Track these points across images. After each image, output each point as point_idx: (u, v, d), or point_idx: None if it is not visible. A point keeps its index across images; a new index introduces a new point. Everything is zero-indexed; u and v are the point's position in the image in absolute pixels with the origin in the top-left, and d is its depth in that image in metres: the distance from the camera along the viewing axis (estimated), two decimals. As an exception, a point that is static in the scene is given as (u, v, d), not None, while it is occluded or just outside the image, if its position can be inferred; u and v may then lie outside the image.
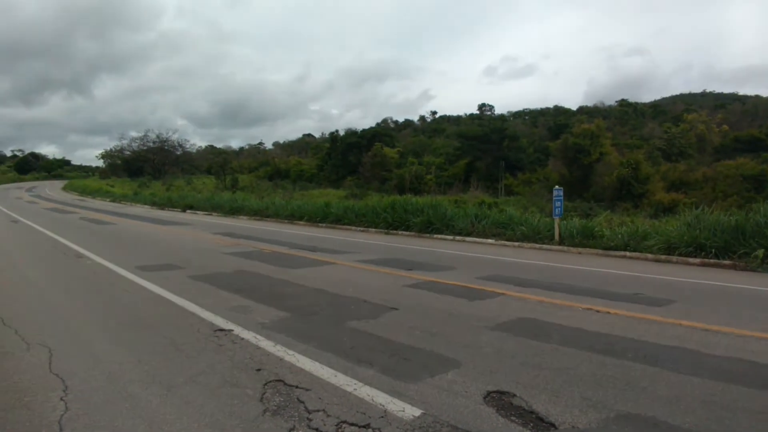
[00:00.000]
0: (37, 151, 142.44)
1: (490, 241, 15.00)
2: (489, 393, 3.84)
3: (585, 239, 13.59)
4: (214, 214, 26.88)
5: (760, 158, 47.31)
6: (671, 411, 3.53)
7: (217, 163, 72.08)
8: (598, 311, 6.42)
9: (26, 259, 10.60)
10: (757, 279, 9.26)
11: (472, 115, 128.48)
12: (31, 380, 4.06)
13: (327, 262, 10.36)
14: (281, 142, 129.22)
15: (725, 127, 73.81)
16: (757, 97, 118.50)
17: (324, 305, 6.60)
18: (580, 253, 12.92)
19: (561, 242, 13.85)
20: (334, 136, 78.38)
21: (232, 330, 5.41)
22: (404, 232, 17.35)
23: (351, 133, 75.87)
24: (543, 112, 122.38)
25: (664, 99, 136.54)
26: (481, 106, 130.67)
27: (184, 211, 29.74)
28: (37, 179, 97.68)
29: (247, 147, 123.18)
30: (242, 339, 5.12)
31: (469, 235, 15.92)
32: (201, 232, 16.43)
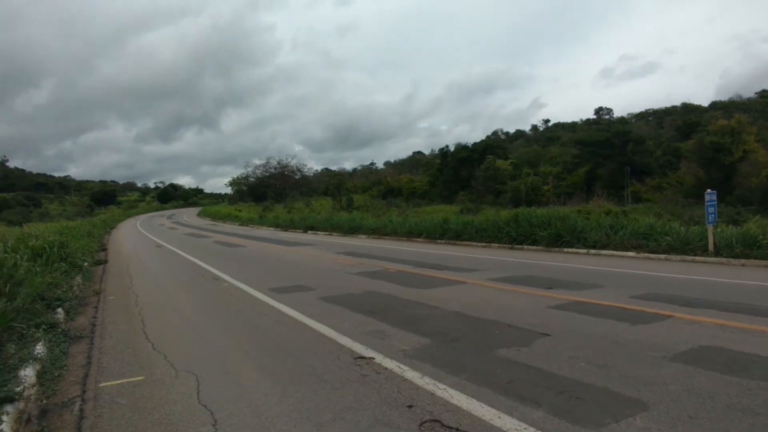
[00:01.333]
0: (175, 181, 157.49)
1: (630, 254, 13.65)
2: None
3: (747, 249, 11.87)
4: (333, 234, 27.47)
5: None
6: None
7: (333, 184, 74.55)
8: None
9: (171, 282, 11.21)
10: None
11: (588, 120, 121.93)
12: (181, 412, 3.97)
13: (456, 281, 9.85)
14: (392, 161, 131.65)
15: None
16: None
17: (465, 330, 6.09)
18: (743, 265, 11.28)
19: (717, 253, 12.22)
20: (444, 152, 77.93)
21: (374, 358, 5.07)
22: (530, 247, 16.39)
23: (461, 148, 74.98)
24: (669, 112, 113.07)
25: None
26: (599, 110, 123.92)
27: (305, 231, 30.77)
28: (176, 207, 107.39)
29: (359, 168, 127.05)
30: (385, 369, 4.75)
31: (604, 247, 14.64)
32: (324, 253, 16.66)
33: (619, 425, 3.43)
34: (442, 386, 4.26)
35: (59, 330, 6.27)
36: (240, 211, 64.29)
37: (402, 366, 4.81)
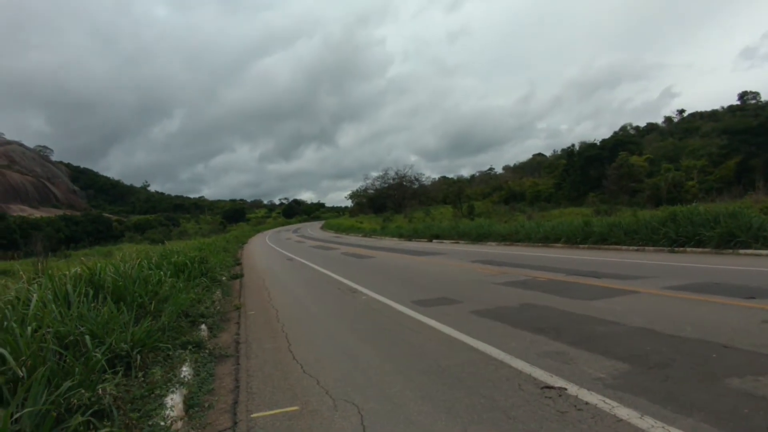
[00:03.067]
0: (297, 197, 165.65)
1: (833, 254, 11.25)
2: None
3: None
4: (460, 242, 26.48)
5: None
6: None
7: (452, 192, 73.51)
8: None
9: (309, 296, 10.94)
10: None
11: (732, 107, 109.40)
12: (349, 456, 3.28)
13: (624, 290, 8.47)
14: (511, 165, 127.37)
15: None
16: None
17: (667, 352, 4.89)
18: None
19: None
20: (569, 152, 73.69)
21: (565, 389, 4.09)
22: (695, 249, 14.28)
23: (589, 146, 70.43)
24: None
25: None
26: (743, 95, 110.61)
27: (430, 240, 30.09)
28: (300, 221, 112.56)
29: (477, 174, 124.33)
30: (586, 404, 3.76)
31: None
32: (458, 261, 15.75)
33: None
34: (676, 431, 3.19)
35: (205, 350, 5.97)
36: (361, 222, 65.39)
37: (607, 400, 3.78)
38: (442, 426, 3.59)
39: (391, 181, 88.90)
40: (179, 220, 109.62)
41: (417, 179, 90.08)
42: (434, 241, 29.59)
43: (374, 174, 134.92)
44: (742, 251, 13.14)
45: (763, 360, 4.47)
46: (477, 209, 57.49)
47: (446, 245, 25.35)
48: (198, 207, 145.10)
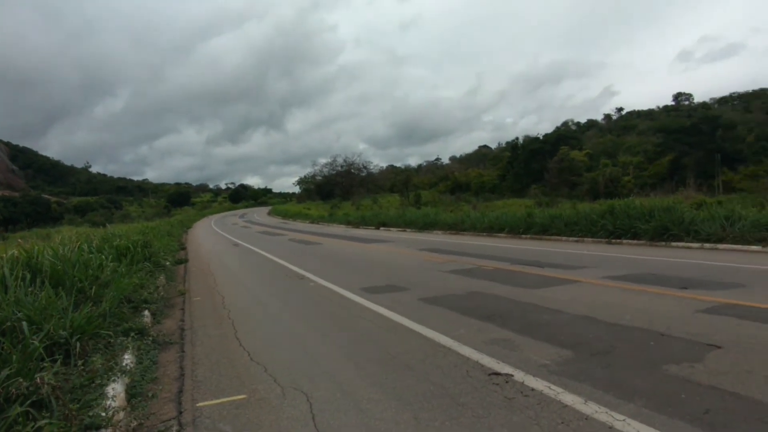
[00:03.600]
0: (244, 182, 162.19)
1: (754, 247, 12.03)
2: None
3: None
4: (407, 230, 26.66)
5: None
6: None
7: (400, 180, 73.95)
8: None
9: (255, 282, 10.74)
10: None
11: (667, 107, 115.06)
12: (299, 445, 3.23)
13: (567, 279, 8.75)
14: (457, 155, 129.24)
15: None
16: None
17: (609, 339, 5.07)
18: None
19: None
20: (514, 145, 75.52)
21: (512, 375, 4.17)
22: (631, 241, 14.91)
23: (532, 140, 72.32)
24: (757, 95, 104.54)
25: None
26: (678, 96, 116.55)
27: (377, 228, 30.15)
28: (247, 206, 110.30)
29: (424, 164, 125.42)
30: (532, 390, 3.85)
31: (720, 241, 13.03)
32: (406, 249, 15.85)
33: None
34: (619, 417, 3.32)
35: (148, 336, 5.75)
36: (309, 209, 64.79)
37: (552, 386, 3.88)
38: (392, 413, 3.58)
39: (340, 168, 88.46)
40: (122, 203, 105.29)
41: (365, 167, 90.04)
42: (381, 228, 29.68)
43: (323, 161, 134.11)
44: (674, 244, 13.82)
45: (698, 347, 4.69)
46: (424, 198, 57.98)
47: (394, 233, 25.48)
48: (142, 190, 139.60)
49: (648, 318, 5.83)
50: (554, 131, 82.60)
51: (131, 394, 4.13)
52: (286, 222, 48.84)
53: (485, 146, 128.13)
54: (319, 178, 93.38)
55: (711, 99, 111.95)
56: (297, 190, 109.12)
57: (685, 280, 8.15)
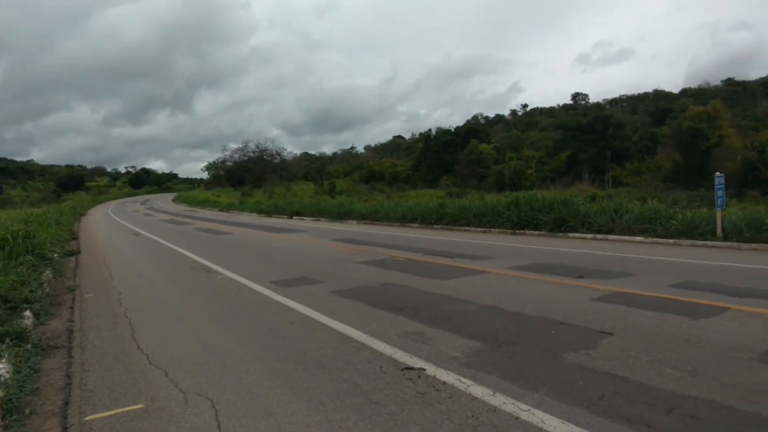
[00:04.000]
0: (147, 166, 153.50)
1: (638, 238, 13.03)
2: None
3: (757, 233, 11.37)
4: (321, 219, 26.43)
5: None
6: None
7: (314, 169, 73.18)
8: None
9: (157, 276, 10.14)
10: None
11: (566, 105, 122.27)
12: (203, 455, 3.03)
13: (475, 270, 9.00)
14: (372, 145, 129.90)
15: None
16: None
17: (514, 329, 5.26)
18: (756, 250, 10.81)
19: (726, 238, 11.68)
20: (426, 136, 77.04)
21: (424, 369, 4.20)
22: (533, 232, 15.65)
23: (444, 132, 74.08)
24: (642, 98, 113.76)
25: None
26: (575, 96, 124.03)
27: (291, 217, 29.65)
28: (149, 192, 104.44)
29: (339, 152, 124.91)
30: (444, 383, 3.88)
31: (610, 232, 14.00)
32: (319, 239, 15.68)
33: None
34: (524, 407, 3.43)
35: (28, 341, 5.20)
36: (218, 196, 62.52)
37: (463, 379, 3.94)
38: (303, 416, 3.47)
39: (251, 154, 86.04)
40: (2, 187, 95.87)
41: (278, 154, 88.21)
42: (295, 217, 29.21)
43: (233, 146, 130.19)
44: (571, 234, 14.66)
45: (593, 335, 4.97)
46: (338, 187, 57.78)
47: (307, 222, 25.16)
48: (26, 172, 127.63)
49: (548, 307, 6.11)
50: (465, 124, 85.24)
51: (6, 409, 3.69)
52: (193, 210, 46.86)
53: (399, 136, 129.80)
54: (230, 164, 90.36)
55: (604, 100, 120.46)
56: (205, 176, 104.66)
57: (581, 270, 8.65)
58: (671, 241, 12.38)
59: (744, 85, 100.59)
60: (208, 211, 43.77)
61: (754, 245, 11.02)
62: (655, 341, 4.73)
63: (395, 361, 4.43)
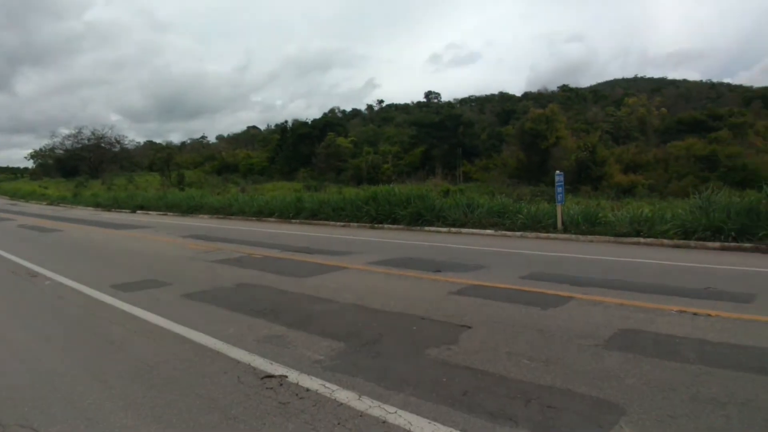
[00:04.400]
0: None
1: (488, 231, 13.98)
2: None
3: (592, 226, 12.79)
4: (169, 214, 24.70)
5: (707, 139, 48.57)
6: None
7: (160, 158, 68.30)
8: (695, 314, 5.46)
9: (-36, 281, 8.62)
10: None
11: (419, 103, 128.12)
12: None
13: (335, 266, 8.94)
14: (225, 135, 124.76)
15: (663, 110, 76.12)
16: (685, 81, 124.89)
17: (377, 327, 5.25)
18: (591, 241, 12.12)
19: (566, 230, 12.98)
20: (283, 128, 75.92)
21: (286, 376, 3.99)
22: (391, 226, 16.08)
23: (301, 124, 73.59)
24: (489, 99, 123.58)
25: (601, 84, 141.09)
26: (428, 94, 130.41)
27: (134, 212, 27.32)
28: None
29: (189, 141, 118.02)
30: (307, 390, 3.72)
31: (463, 226, 14.86)
32: (167, 236, 14.56)
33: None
34: (391, 409, 3.38)
35: None
36: (46, 188, 55.82)
37: (327, 384, 3.80)
38: (151, 441, 3.09)
39: (86, 141, 77.98)
40: None
41: (119, 141, 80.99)
42: (139, 212, 26.97)
43: (65, 132, 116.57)
44: (427, 228, 15.29)
45: (453, 329, 5.12)
46: (188, 179, 54.71)
47: (153, 217, 23.35)
48: None
49: (410, 302, 6.22)
50: (322, 117, 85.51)
51: None
52: (16, 203, 41.29)
53: (254, 127, 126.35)
54: (60, 151, 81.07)
55: (455, 99, 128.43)
56: (30, 164, 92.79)
57: (439, 264, 8.99)
58: (518, 234, 13.42)
59: (577, 91, 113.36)
60: (35, 205, 38.89)
61: (590, 237, 12.32)
62: (511, 332, 4.97)
63: (254, 369, 4.16)
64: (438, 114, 75.32)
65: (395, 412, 3.33)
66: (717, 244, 10.48)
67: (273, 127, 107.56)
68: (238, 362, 4.33)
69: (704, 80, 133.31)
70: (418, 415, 3.31)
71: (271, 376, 4.00)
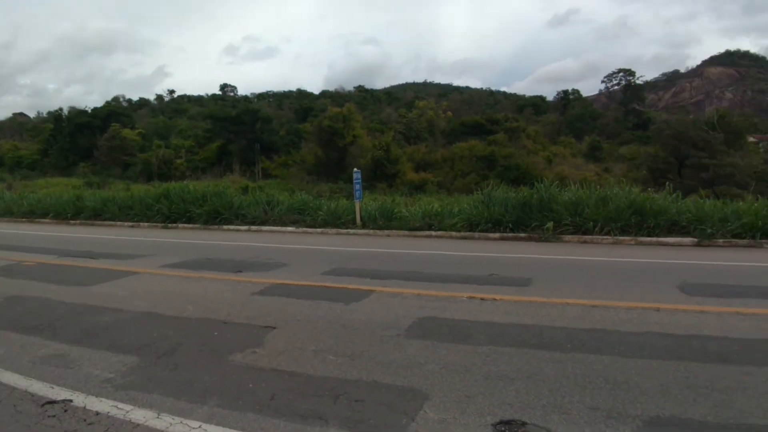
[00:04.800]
0: None
1: (290, 228, 14.20)
2: (496, 425, 3.21)
3: (388, 221, 13.74)
4: None
5: (486, 141, 55.22)
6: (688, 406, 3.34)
7: None
8: (482, 299, 6.20)
9: None
10: (558, 248, 10.40)
11: (215, 95, 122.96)
12: None
13: (124, 271, 8.29)
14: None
15: (449, 113, 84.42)
16: (468, 87, 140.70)
17: (174, 336, 5.05)
18: (388, 236, 12.99)
19: (364, 226, 13.78)
20: (57, 116, 66.61)
21: (70, 400, 3.65)
22: (186, 225, 15.39)
23: (80, 112, 65.34)
24: (287, 95, 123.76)
25: (394, 87, 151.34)
26: (224, 87, 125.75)
27: None
28: None
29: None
30: (98, 414, 3.46)
31: (264, 223, 14.85)
32: None
33: (417, 423, 3.24)
34: (195, 424, 3.29)
35: None
36: None
37: (120, 405, 3.57)
38: None
39: None
40: None
41: None
42: None
43: None
44: (226, 227, 14.93)
45: (258, 331, 5.13)
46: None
47: None
48: None
49: (210, 306, 6.09)
50: (104, 105, 77.14)
51: None
52: None
53: (22, 114, 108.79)
54: None
55: (252, 93, 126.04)
56: None
57: (239, 263, 8.91)
58: (319, 230, 13.81)
59: (372, 92, 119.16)
60: None
61: (387, 231, 13.17)
62: (316, 330, 5.13)
63: (33, 395, 3.73)
64: (235, 108, 73.19)
65: (199, 427, 3.24)
66: (497, 235, 12.06)
67: (45, 114, 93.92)
68: (13, 388, 3.84)
69: (484, 88, 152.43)
70: (224, 426, 3.26)
71: (53, 402, 3.63)
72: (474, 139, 56.39)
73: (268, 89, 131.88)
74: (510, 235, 11.93)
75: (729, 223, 10.79)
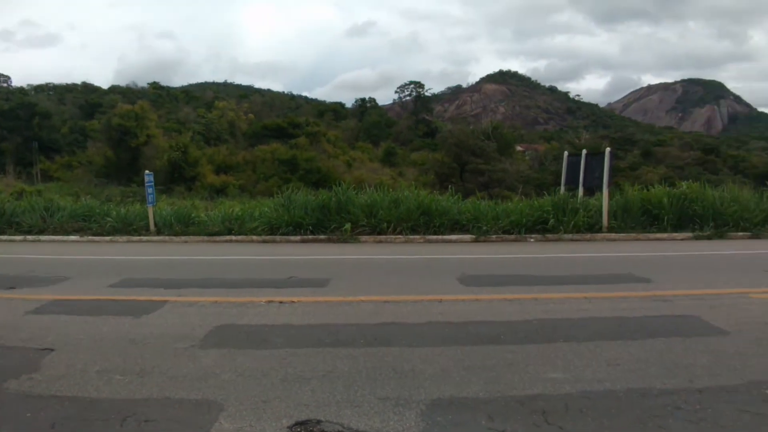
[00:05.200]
0: None
1: (73, 237, 12.88)
2: (291, 427, 3.31)
3: (186, 227, 13.24)
4: None
5: (288, 144, 55.47)
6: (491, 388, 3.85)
7: None
8: (281, 302, 6.33)
9: None
10: (355, 249, 11.11)
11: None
12: None
13: None
14: None
15: (251, 115, 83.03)
16: (270, 90, 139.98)
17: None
18: (186, 242, 12.57)
19: (159, 232, 13.08)
20: None
21: None
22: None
23: None
24: (70, 89, 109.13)
25: (193, 85, 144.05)
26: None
27: None
28: None
29: None
30: None
31: (42, 232, 13.26)
32: None
33: (216, 433, 3.26)
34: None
35: None
36: None
37: None
38: None
39: None
40: None
41: None
42: None
43: None
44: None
45: (34, 354, 4.59)
46: None
47: None
48: None
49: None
50: None
51: None
52: None
53: None
54: None
55: (29, 85, 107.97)
56: None
57: (12, 279, 7.87)
58: (108, 238, 12.72)
59: (168, 90, 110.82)
60: None
61: (184, 237, 12.62)
62: (101, 348, 4.74)
63: None
64: (8, 101, 63.09)
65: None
66: (298, 238, 12.31)
67: None
68: None
69: (286, 92, 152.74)
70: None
71: None
72: (276, 142, 56.46)
73: (48, 81, 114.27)
74: (310, 237, 12.33)
75: (500, 221, 12.59)
